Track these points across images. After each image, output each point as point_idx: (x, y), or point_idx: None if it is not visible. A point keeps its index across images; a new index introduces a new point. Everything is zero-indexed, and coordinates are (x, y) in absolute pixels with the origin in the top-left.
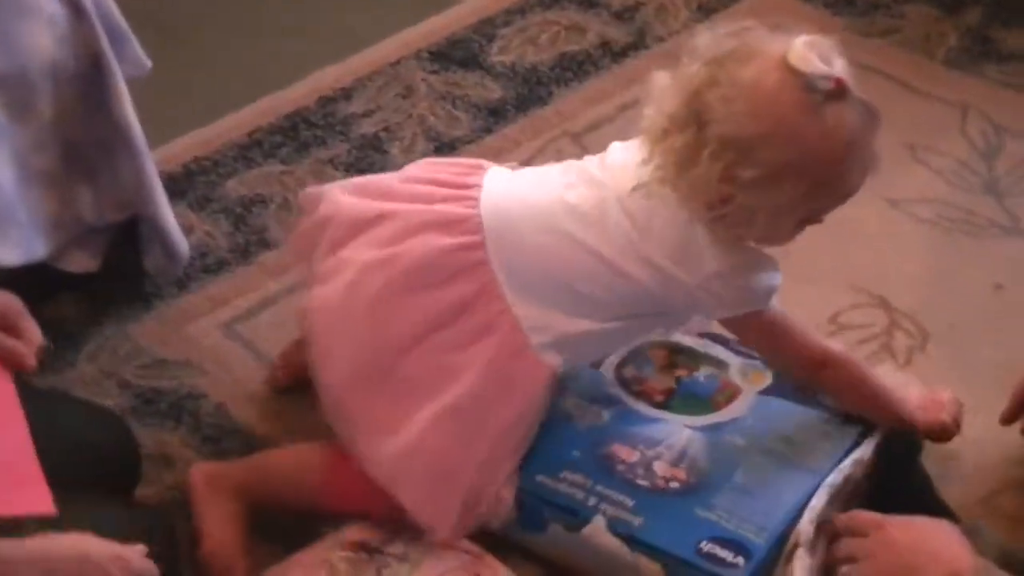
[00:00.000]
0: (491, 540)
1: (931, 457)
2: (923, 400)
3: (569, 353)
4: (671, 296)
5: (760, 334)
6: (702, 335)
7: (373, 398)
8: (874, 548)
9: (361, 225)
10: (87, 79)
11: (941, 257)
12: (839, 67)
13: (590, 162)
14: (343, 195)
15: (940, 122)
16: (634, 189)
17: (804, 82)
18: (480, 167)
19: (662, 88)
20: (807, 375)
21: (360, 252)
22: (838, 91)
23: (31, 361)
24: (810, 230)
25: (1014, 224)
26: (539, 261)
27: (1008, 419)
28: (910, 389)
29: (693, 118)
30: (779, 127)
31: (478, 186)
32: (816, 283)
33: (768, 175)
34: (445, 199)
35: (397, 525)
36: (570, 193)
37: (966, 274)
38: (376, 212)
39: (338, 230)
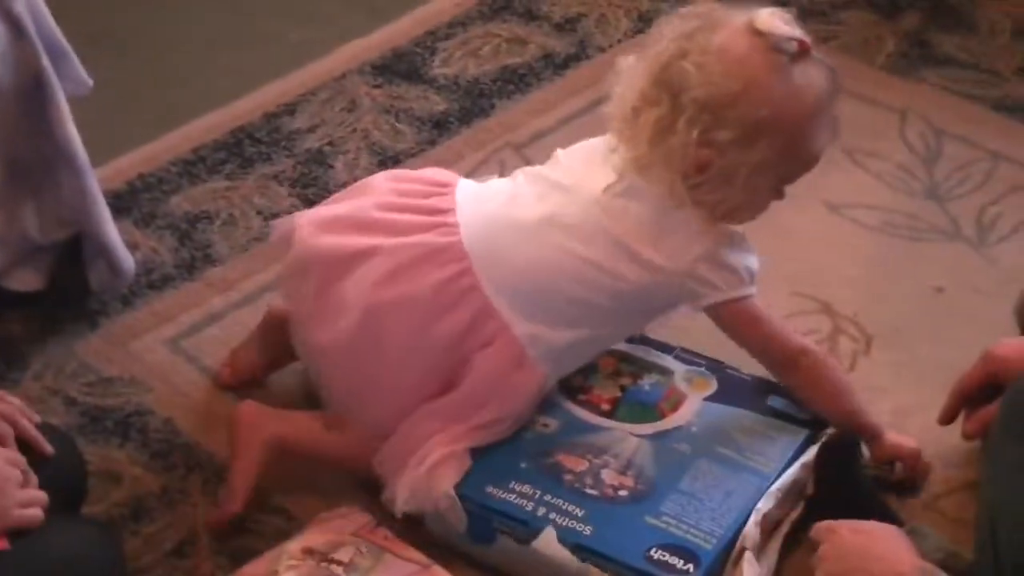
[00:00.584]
0: (440, 551)
1: (874, 460)
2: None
3: (557, 362)
4: (660, 288)
5: (745, 321)
6: (647, 342)
7: (381, 411)
8: (826, 552)
9: (351, 261)
10: (28, 98)
11: (883, 261)
12: (800, 32)
13: (553, 170)
14: (320, 235)
15: (880, 127)
16: (606, 189)
17: (771, 43)
18: (446, 184)
19: (629, 69)
20: (787, 365)
21: (363, 289)
22: (803, 52)
23: (5, 433)
24: (752, 236)
25: (955, 228)
26: (525, 276)
27: (946, 419)
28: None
29: (665, 90)
30: (752, 85)
31: (452, 210)
32: (760, 291)
33: (744, 134)
34: (425, 228)
35: (345, 532)
36: (544, 204)
37: (908, 278)
38: (361, 248)
39: (327, 269)
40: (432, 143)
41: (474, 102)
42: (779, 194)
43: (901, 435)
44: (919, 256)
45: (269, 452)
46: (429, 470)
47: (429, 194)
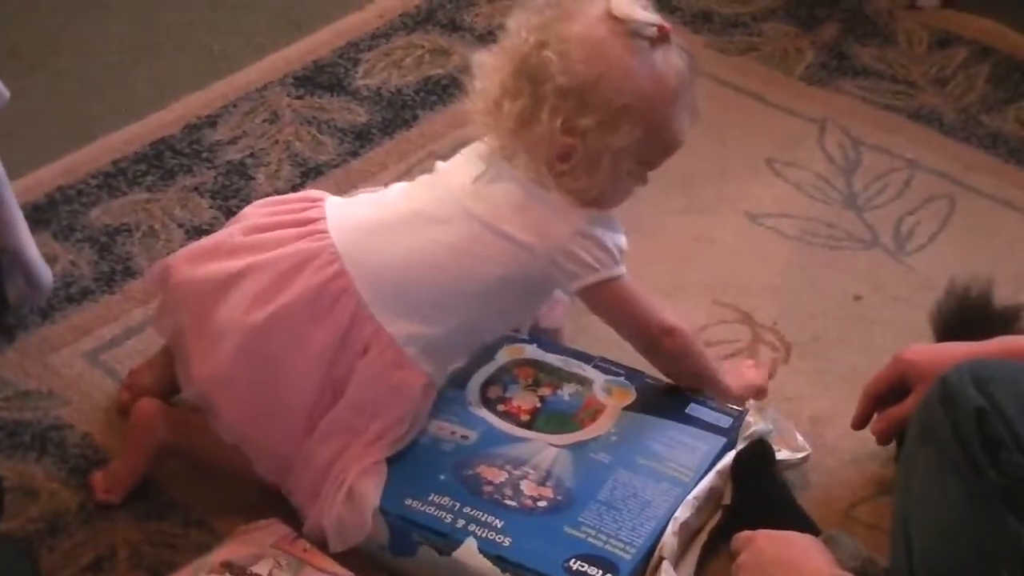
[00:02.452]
0: (362, 565)
1: (790, 467)
2: (731, 370)
3: (437, 359)
4: (531, 269)
5: (617, 302)
6: (566, 352)
7: (280, 437)
8: (744, 562)
9: (223, 287)
10: None
11: (802, 270)
12: (658, 18)
13: (423, 178)
14: (190, 269)
15: (799, 137)
16: (475, 179)
17: (630, 29)
18: (314, 199)
19: (487, 64)
20: (653, 343)
21: (236, 313)
22: (662, 36)
23: None
24: (673, 246)
25: (872, 237)
26: (395, 272)
27: (859, 423)
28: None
29: (526, 80)
30: (613, 70)
31: (322, 218)
32: (679, 300)
33: (606, 120)
34: (296, 237)
35: (264, 545)
36: (411, 202)
37: (827, 286)
38: (232, 271)
39: (201, 300)
40: (354, 154)
41: (397, 113)
42: (643, 180)
43: (737, 368)
44: (838, 265)
45: (159, 455)
46: (350, 499)
47: (298, 209)
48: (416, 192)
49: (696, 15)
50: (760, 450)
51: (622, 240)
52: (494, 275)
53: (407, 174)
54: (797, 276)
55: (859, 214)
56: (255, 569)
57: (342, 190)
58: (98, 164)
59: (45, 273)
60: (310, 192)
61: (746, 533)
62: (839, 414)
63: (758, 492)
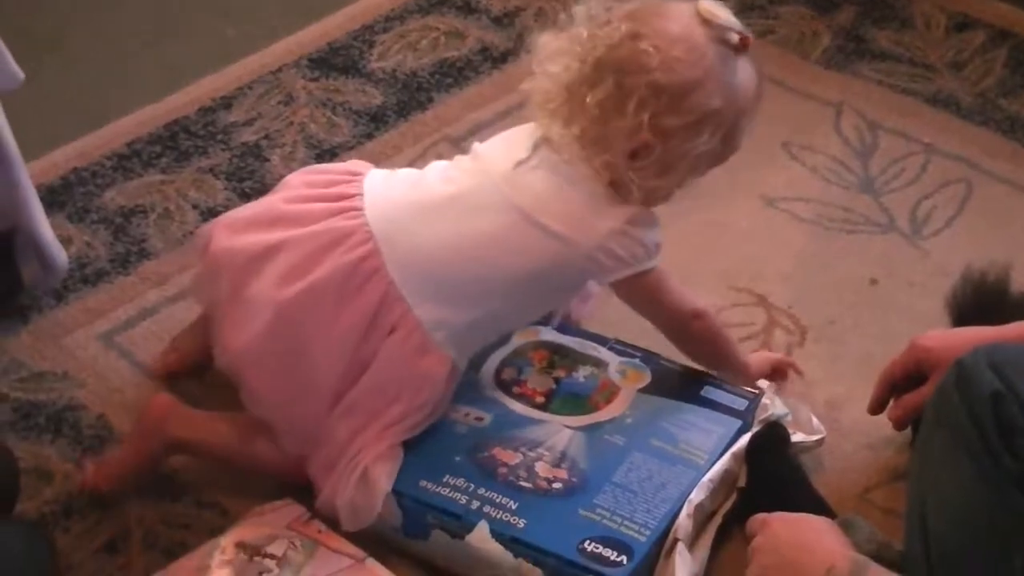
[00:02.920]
0: (375, 544)
1: (806, 451)
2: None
3: (460, 344)
4: (566, 262)
5: (649, 292)
6: (581, 334)
7: (305, 414)
8: (759, 545)
9: (257, 261)
10: None
11: (818, 254)
12: (740, 25)
13: (462, 159)
14: (231, 237)
15: (815, 120)
16: (517, 164)
17: (717, 34)
18: (356, 173)
19: (552, 46)
20: (683, 327)
21: (268, 290)
22: (743, 44)
23: None
24: (688, 230)
25: (889, 221)
26: (428, 256)
27: (875, 408)
28: None
29: (611, 70)
30: (710, 75)
31: (359, 195)
32: (695, 283)
33: (693, 123)
34: (331, 213)
35: (278, 526)
36: (450, 186)
37: (842, 270)
38: (269, 244)
39: (237, 272)
40: (369, 136)
41: (411, 95)
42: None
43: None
44: (854, 249)
45: (164, 453)
46: (363, 482)
47: (337, 182)
48: (455, 175)
49: None
50: (775, 433)
51: (659, 234)
52: (527, 266)
53: (422, 157)
54: (812, 260)
55: (875, 198)
56: (269, 550)
57: None
58: (113, 146)
59: (60, 255)
60: (354, 163)
61: (761, 516)
62: (854, 398)
63: (773, 475)
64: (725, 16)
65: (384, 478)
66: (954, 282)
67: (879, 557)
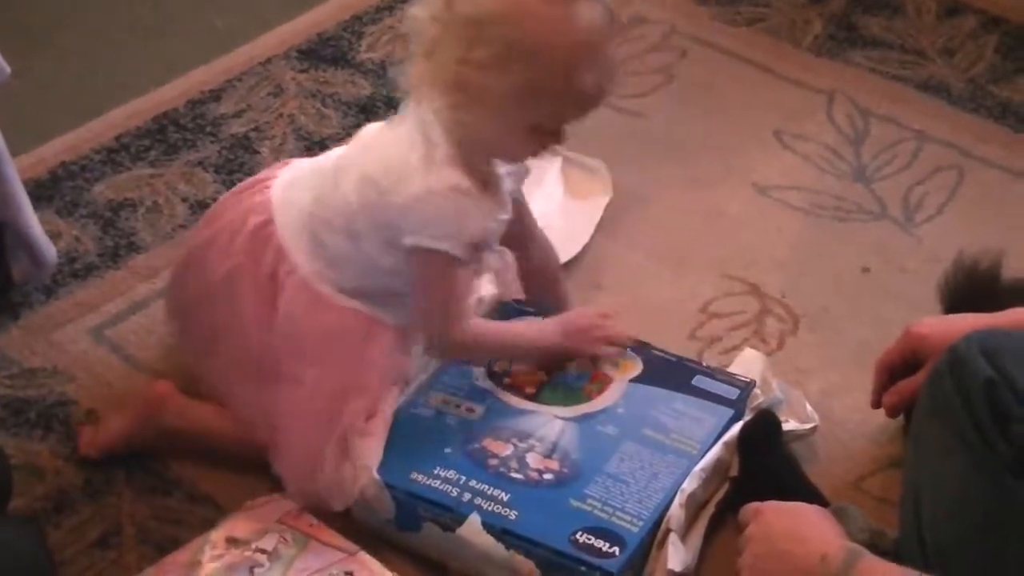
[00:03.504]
0: (367, 537)
1: (799, 439)
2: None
3: (366, 296)
4: (379, 216)
5: (432, 277)
6: None
7: (238, 377)
8: (753, 534)
9: (201, 250)
10: None
11: (810, 242)
12: None
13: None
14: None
15: (807, 108)
16: (384, 125)
17: None
18: (287, 163)
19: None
20: (438, 340)
21: (206, 271)
22: None
23: None
24: (682, 220)
25: (881, 208)
26: (305, 218)
27: (876, 401)
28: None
29: (432, 10)
30: (516, 7)
31: (275, 176)
32: (687, 272)
33: (501, 54)
34: (252, 192)
35: (269, 520)
36: (337, 154)
37: (835, 258)
38: (206, 237)
39: (187, 267)
40: (358, 127)
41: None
42: (546, 137)
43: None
44: (846, 237)
45: (159, 436)
46: (346, 456)
47: (271, 170)
48: (346, 150)
49: None
50: (766, 421)
51: (474, 225)
52: (361, 219)
53: None
54: (805, 248)
55: (867, 185)
56: (261, 544)
57: None
58: (102, 140)
59: (49, 250)
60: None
61: (754, 505)
62: (848, 387)
63: (766, 464)
64: None
65: (367, 452)
66: (946, 268)
67: (873, 546)
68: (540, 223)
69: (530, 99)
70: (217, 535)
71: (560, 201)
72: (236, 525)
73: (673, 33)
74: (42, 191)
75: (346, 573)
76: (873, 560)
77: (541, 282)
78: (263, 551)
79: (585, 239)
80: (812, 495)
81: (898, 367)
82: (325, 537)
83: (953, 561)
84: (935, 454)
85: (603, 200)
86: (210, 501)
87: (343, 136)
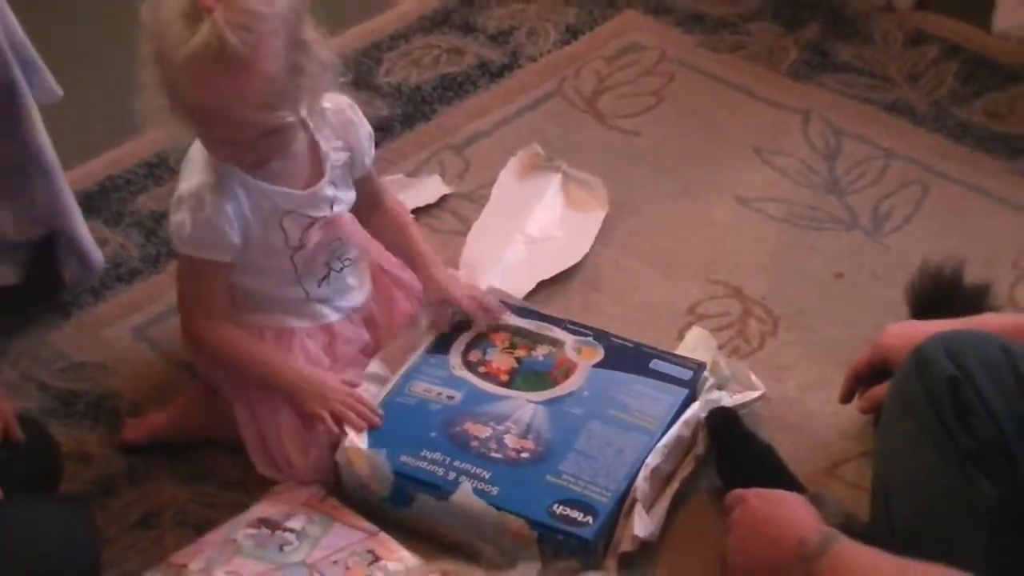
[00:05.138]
0: (380, 519)
1: (779, 431)
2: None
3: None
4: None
5: (177, 275)
6: (539, 316)
7: None
8: (737, 519)
9: None
10: (1, 107)
11: (788, 249)
12: None
13: None
14: None
15: (784, 127)
16: None
17: None
18: None
19: None
20: (187, 335)
21: None
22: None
23: None
24: (670, 228)
25: (852, 219)
26: None
27: (844, 399)
28: None
29: None
30: (154, 18)
31: None
32: (676, 277)
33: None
34: None
35: (296, 503)
36: None
37: (811, 264)
38: None
39: None
40: (377, 145)
41: (416, 107)
42: (230, 149)
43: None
44: (821, 244)
45: (192, 430)
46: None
47: None
48: None
49: (689, 16)
50: (723, 413)
51: (197, 221)
52: None
53: (426, 163)
54: (784, 255)
55: (840, 198)
56: (289, 524)
57: None
58: (144, 155)
59: (97, 255)
60: None
61: (738, 492)
62: (824, 382)
63: (747, 454)
64: None
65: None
66: (913, 274)
67: (846, 528)
68: (541, 234)
69: (173, 106)
70: (249, 516)
71: (560, 213)
72: (266, 508)
73: (663, 59)
74: (91, 202)
75: (368, 551)
76: (846, 542)
77: (393, 241)
78: (291, 530)
79: (585, 249)
80: (790, 482)
81: (866, 373)
82: (347, 518)
83: (919, 543)
84: (903, 446)
85: (600, 214)
86: (241, 487)
87: None
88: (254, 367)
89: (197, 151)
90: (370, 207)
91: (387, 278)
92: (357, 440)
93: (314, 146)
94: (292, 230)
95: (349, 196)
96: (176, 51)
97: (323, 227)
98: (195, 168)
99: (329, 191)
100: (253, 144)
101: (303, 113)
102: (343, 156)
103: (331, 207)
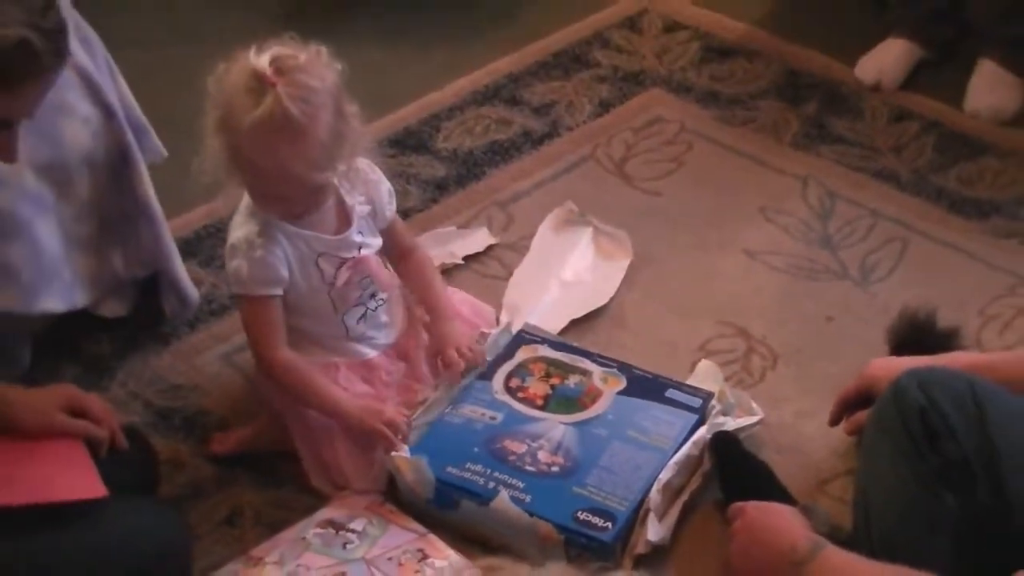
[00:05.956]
0: (429, 523)
1: (776, 452)
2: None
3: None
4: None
5: (242, 320)
6: (572, 350)
7: None
8: (738, 528)
9: None
10: (116, 166)
11: (787, 296)
12: (267, 66)
13: None
14: None
15: (786, 190)
16: None
17: (252, 68)
18: None
19: None
20: (262, 370)
21: None
22: (263, 83)
23: (101, 434)
24: (686, 278)
25: (843, 270)
26: None
27: (833, 422)
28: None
29: None
30: (219, 90)
31: None
32: (689, 318)
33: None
34: None
35: (359, 507)
36: None
37: (806, 309)
38: None
39: None
40: (434, 201)
41: (468, 169)
42: (282, 200)
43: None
44: (815, 292)
45: (269, 444)
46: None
47: None
48: None
49: (706, 94)
50: (725, 436)
51: (251, 266)
52: None
53: (476, 217)
54: (783, 300)
55: (833, 252)
56: (352, 526)
57: (424, 230)
58: (232, 209)
59: (193, 293)
60: None
61: (739, 504)
62: (817, 411)
63: (746, 472)
64: (259, 58)
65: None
66: (894, 318)
67: (832, 537)
68: (574, 279)
69: (238, 168)
70: (318, 518)
71: (591, 262)
72: (332, 511)
73: (683, 131)
74: (188, 247)
75: (418, 550)
76: (832, 549)
77: (417, 290)
78: (353, 531)
79: (611, 292)
80: (784, 496)
81: (852, 400)
82: (401, 521)
83: (893, 549)
84: (880, 465)
85: (625, 262)
86: (311, 492)
87: (421, 208)
88: (317, 398)
89: (240, 210)
90: (399, 256)
91: (418, 313)
92: (404, 450)
93: (341, 201)
94: (327, 269)
95: (375, 241)
96: (243, 119)
97: (351, 267)
98: (240, 222)
99: (357, 237)
100: (301, 199)
101: (339, 173)
102: (366, 208)
103: (359, 250)
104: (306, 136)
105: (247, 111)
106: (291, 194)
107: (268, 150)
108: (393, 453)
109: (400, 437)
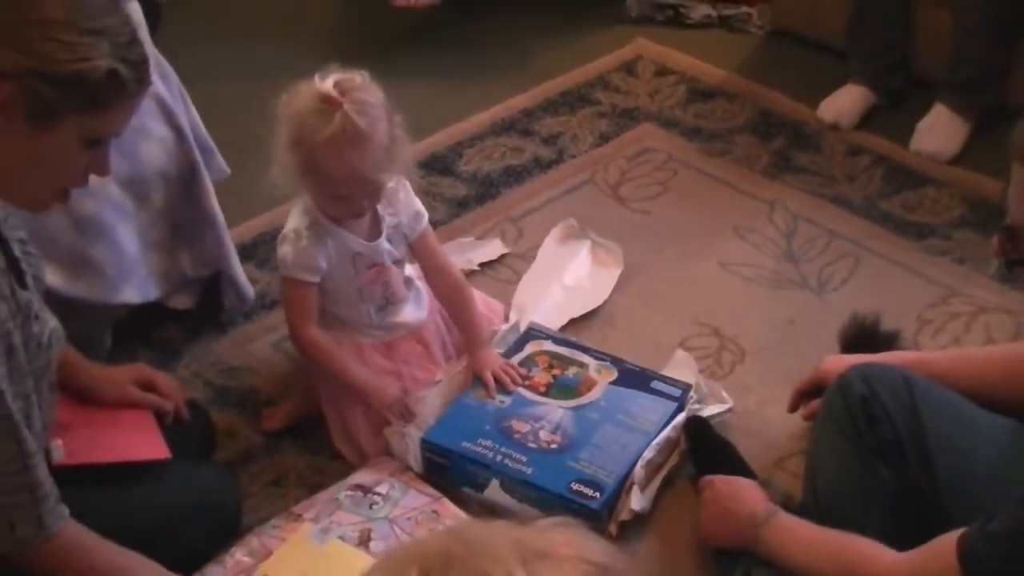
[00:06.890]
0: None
1: (742, 435)
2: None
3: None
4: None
5: (283, 300)
6: (571, 344)
7: None
8: (707, 498)
9: None
10: (186, 180)
11: (755, 301)
12: (331, 89)
13: None
14: None
15: (756, 212)
16: None
17: (319, 92)
18: None
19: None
20: (294, 343)
21: None
22: (332, 105)
23: (167, 407)
24: (670, 285)
25: (803, 281)
26: None
27: (791, 409)
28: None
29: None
30: (290, 114)
31: None
32: (672, 319)
33: (284, 144)
34: None
35: (384, 473)
36: None
37: (771, 313)
38: None
39: None
40: (457, 216)
41: (486, 190)
42: (341, 201)
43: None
44: (779, 299)
45: (310, 417)
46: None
47: None
48: None
49: (690, 129)
50: (697, 421)
51: (300, 253)
52: None
53: (490, 230)
54: (752, 305)
55: (795, 265)
56: (378, 489)
57: (448, 240)
58: (282, 220)
59: (249, 290)
60: None
61: (708, 477)
62: (777, 399)
63: (712, 449)
64: (324, 84)
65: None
66: (844, 322)
67: (786, 506)
68: (574, 284)
69: (306, 175)
70: (349, 482)
71: (588, 269)
72: (361, 476)
73: (670, 160)
74: (246, 251)
75: (433, 511)
76: (785, 516)
77: (453, 309)
78: (379, 494)
79: (605, 296)
80: (746, 472)
81: (807, 390)
82: (419, 487)
83: (836, 517)
84: (827, 444)
85: (617, 271)
86: (344, 460)
87: (446, 222)
88: (337, 369)
89: (295, 208)
90: (433, 273)
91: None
92: (398, 425)
93: (375, 213)
94: (360, 267)
95: (401, 253)
96: (316, 136)
97: (377, 272)
98: (294, 217)
99: (386, 245)
100: (359, 200)
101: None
102: (395, 221)
103: (387, 257)
104: (370, 142)
105: (319, 129)
106: (354, 194)
107: (341, 158)
108: (386, 429)
109: (400, 413)
